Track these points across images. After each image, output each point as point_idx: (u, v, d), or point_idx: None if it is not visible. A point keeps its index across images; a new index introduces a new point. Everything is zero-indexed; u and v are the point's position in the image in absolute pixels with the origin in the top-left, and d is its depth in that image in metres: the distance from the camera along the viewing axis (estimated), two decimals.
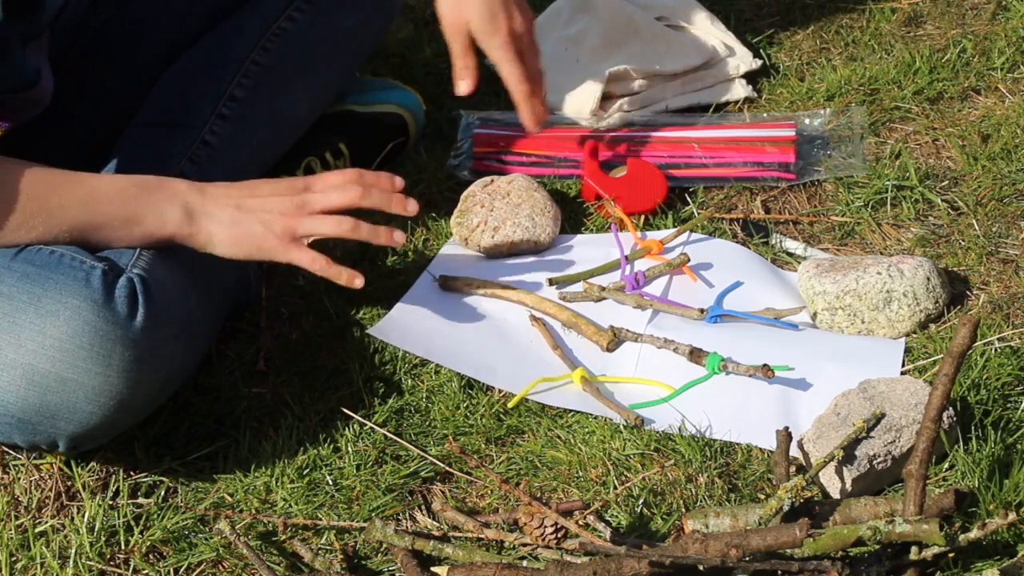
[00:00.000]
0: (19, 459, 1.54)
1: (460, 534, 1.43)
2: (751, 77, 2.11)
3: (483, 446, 1.55)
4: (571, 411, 1.58)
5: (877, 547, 1.32)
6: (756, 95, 2.08)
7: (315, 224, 1.53)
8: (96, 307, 1.41)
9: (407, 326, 1.69)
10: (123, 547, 1.45)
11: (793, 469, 1.45)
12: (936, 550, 1.30)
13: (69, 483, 1.52)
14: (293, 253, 1.52)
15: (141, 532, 1.46)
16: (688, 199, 1.89)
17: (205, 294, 1.57)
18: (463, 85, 1.80)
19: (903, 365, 1.60)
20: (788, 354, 1.59)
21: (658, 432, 1.53)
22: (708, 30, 2.14)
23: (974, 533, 1.31)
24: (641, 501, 1.46)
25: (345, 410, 1.59)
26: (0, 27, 1.48)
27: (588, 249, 1.81)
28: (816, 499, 1.42)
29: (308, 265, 1.52)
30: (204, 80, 1.82)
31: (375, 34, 1.96)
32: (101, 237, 1.49)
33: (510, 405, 1.58)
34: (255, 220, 1.51)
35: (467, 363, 1.64)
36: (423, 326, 1.69)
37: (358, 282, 1.53)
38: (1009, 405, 1.53)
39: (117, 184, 1.51)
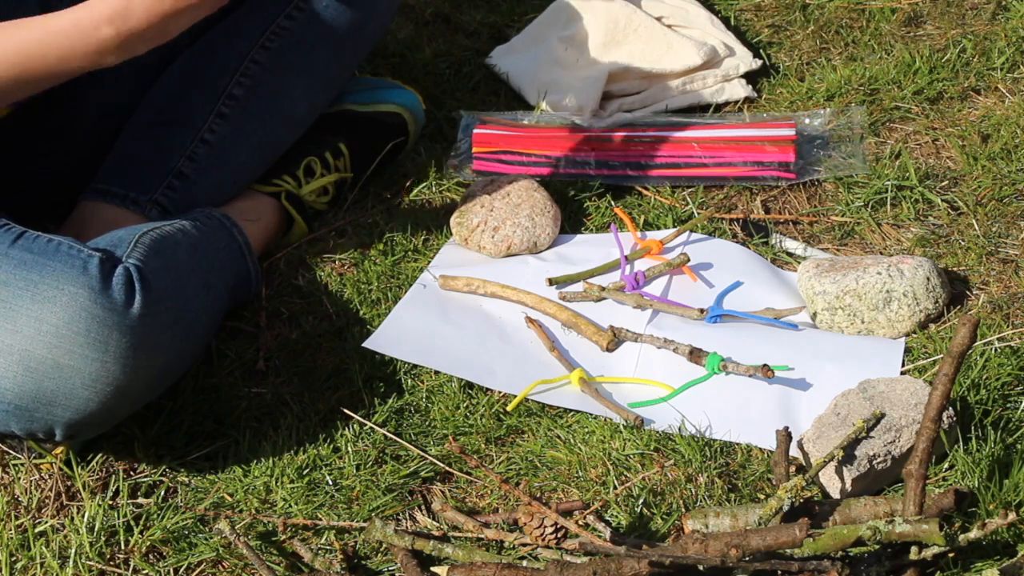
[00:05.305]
0: (19, 459, 1.54)
1: (460, 534, 1.43)
2: (751, 77, 2.11)
3: (483, 446, 1.55)
4: (571, 411, 1.58)
5: (877, 547, 1.32)
6: (756, 95, 2.08)
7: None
8: (93, 294, 1.41)
9: (403, 334, 1.68)
10: (123, 547, 1.45)
11: (793, 469, 1.45)
12: (936, 550, 1.30)
13: (69, 483, 1.52)
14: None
15: (141, 532, 1.46)
16: (688, 199, 1.89)
17: (203, 284, 1.57)
18: None
19: (903, 365, 1.60)
20: (788, 354, 1.59)
21: (658, 432, 1.53)
22: (708, 30, 2.14)
23: (974, 533, 1.31)
24: (641, 501, 1.45)
25: (345, 410, 1.59)
26: None
27: (588, 249, 1.81)
28: (816, 499, 1.42)
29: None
30: (203, 78, 1.82)
31: (374, 33, 1.96)
32: None
33: (509, 408, 1.58)
34: (152, 41, 1.44)
35: (465, 367, 1.63)
36: (419, 332, 1.69)
37: None
38: (1009, 405, 1.53)
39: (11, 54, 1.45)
